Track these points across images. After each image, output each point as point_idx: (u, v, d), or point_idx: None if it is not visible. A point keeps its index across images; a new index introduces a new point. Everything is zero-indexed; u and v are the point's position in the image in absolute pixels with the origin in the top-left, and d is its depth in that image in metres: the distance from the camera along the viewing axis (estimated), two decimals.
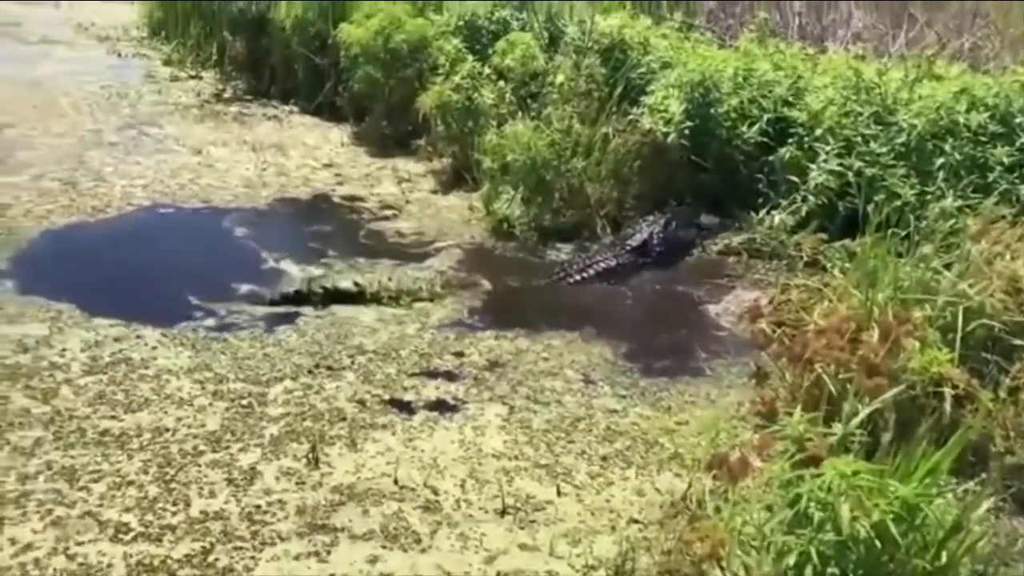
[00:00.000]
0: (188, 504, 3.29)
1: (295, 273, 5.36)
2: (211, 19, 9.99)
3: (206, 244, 5.95)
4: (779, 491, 2.44)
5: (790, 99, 6.30)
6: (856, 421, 2.73)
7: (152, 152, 7.25)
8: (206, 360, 4.29)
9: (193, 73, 9.74)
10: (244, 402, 3.96)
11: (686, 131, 6.13)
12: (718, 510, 2.96)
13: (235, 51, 9.68)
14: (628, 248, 5.84)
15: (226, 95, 9.13)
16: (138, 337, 4.47)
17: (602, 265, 5.64)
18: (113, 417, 3.78)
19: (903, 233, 4.65)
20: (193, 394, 3.99)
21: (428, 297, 5.16)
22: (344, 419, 3.89)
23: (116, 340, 4.42)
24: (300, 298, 5.01)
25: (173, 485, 3.38)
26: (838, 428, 2.78)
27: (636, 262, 5.77)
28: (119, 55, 10.42)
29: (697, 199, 6.29)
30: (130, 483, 3.37)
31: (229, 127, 8.11)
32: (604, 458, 3.78)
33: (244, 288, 5.08)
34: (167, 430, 3.71)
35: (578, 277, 5.54)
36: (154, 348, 4.37)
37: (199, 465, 3.51)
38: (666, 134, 6.20)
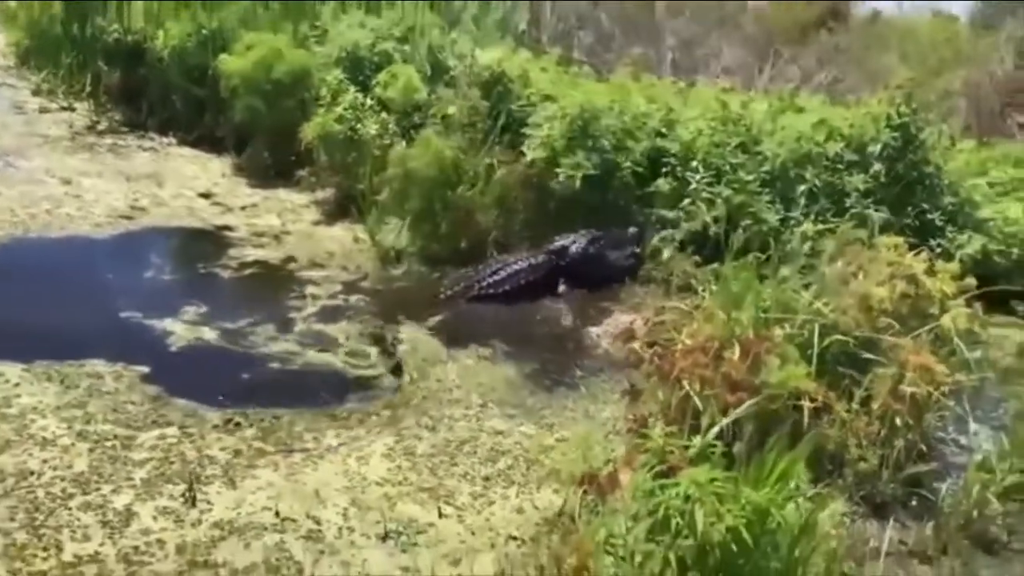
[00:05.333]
0: (60, 549, 3.17)
1: (158, 325, 4.94)
2: (84, 48, 9.71)
3: (58, 282, 5.46)
4: (642, 500, 2.57)
5: (663, 131, 6.60)
6: (713, 433, 2.91)
7: (17, 183, 6.96)
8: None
9: (65, 104, 9.42)
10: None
11: None
12: (589, 523, 3.07)
13: (110, 82, 9.44)
14: (543, 255, 5.99)
15: (100, 127, 8.88)
16: None
17: (506, 272, 5.82)
18: None
19: (765, 256, 4.92)
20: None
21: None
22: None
23: None
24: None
25: (43, 530, 3.25)
26: (698, 441, 2.95)
27: (545, 276, 5.91)
28: None
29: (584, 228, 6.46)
30: None
31: (103, 158, 7.89)
32: (486, 478, 3.85)
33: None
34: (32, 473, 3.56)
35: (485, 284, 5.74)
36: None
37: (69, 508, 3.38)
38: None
